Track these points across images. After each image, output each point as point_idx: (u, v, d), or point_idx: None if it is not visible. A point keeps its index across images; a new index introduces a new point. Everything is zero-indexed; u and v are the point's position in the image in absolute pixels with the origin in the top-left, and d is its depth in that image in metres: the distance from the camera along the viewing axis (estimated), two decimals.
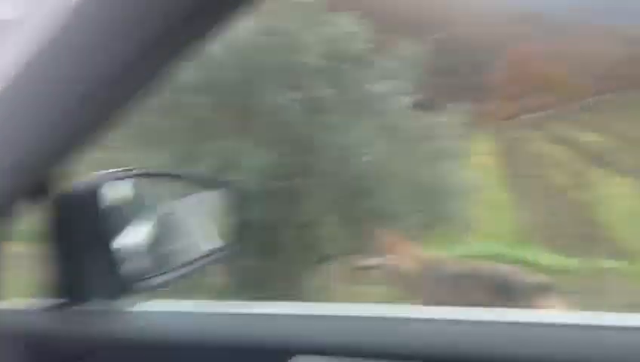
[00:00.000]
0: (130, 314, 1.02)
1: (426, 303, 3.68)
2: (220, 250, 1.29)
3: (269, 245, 6.45)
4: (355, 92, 6.10)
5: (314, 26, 6.21)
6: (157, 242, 1.15)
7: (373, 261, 3.86)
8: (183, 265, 1.17)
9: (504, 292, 3.59)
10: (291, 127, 6.03)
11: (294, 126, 6.00)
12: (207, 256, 1.25)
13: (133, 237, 1.07)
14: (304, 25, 6.06)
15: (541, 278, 3.70)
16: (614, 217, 18.11)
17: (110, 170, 1.07)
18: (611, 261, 12.31)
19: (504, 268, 3.80)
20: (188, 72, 5.84)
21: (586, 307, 7.70)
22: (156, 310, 1.06)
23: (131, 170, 1.12)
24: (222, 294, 6.25)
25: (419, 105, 6.77)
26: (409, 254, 3.81)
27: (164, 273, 1.11)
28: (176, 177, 1.39)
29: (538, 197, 20.91)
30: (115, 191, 1.05)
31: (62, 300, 0.98)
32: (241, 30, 6.11)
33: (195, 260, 1.21)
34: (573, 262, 11.87)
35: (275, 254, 6.46)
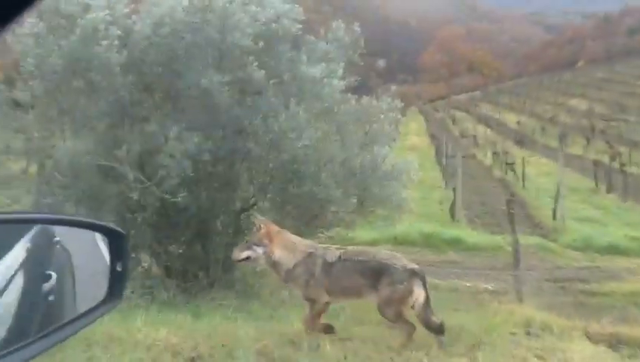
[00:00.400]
0: None
1: (309, 294, 3.80)
2: (100, 304, 1.04)
3: (200, 232, 6.26)
4: (288, 74, 5.96)
5: (245, 5, 5.98)
6: (7, 305, 0.87)
7: (245, 253, 3.87)
8: (51, 332, 0.91)
9: (378, 278, 3.69)
10: (221, 111, 5.80)
11: (225, 109, 5.79)
12: (84, 314, 1.00)
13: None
14: (235, 3, 5.82)
15: (413, 265, 3.81)
16: (535, 195, 19.13)
17: None
18: (533, 237, 13.03)
19: (381, 254, 3.90)
20: (112, 51, 5.48)
21: (509, 282, 8.08)
22: None
23: None
24: (150, 282, 6.01)
25: (352, 88, 6.72)
26: (285, 243, 3.84)
27: (23, 347, 0.83)
28: (38, 222, 1.04)
29: (466, 176, 21.69)
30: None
31: None
32: (170, 7, 5.79)
33: (68, 323, 0.96)
34: (497, 239, 12.44)
35: (207, 241, 6.28)
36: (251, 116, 5.78)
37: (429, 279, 9.37)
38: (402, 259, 3.85)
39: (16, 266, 0.92)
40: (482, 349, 3.54)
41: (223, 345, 3.33)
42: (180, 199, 5.61)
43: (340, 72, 6.19)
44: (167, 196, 5.58)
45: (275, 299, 5.65)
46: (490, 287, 8.92)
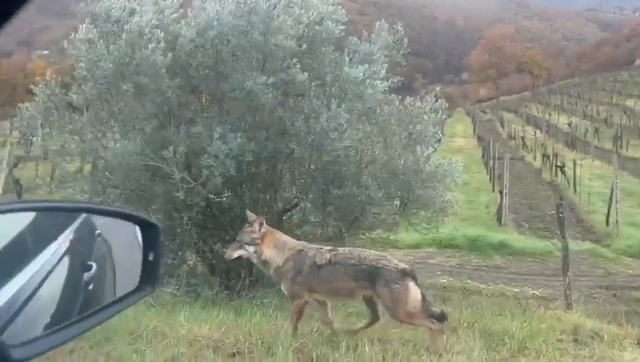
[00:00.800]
0: None
1: (292, 290, 3.88)
2: (133, 292, 1.07)
3: None
4: (331, 76, 5.98)
5: (289, 7, 6.04)
6: (50, 291, 0.92)
7: (237, 253, 3.97)
8: (87, 316, 0.96)
9: (372, 281, 3.74)
10: (265, 112, 5.89)
11: (268, 111, 5.87)
12: (118, 301, 1.04)
13: (12, 288, 0.82)
14: (279, 6, 5.89)
15: (404, 265, 3.85)
16: (587, 199, 18.45)
17: None
18: (585, 243, 12.57)
19: (371, 256, 3.90)
20: (158, 54, 5.65)
21: (558, 289, 7.82)
22: None
23: (12, 202, 0.89)
24: (195, 280, 6.15)
25: (395, 89, 6.68)
26: (276, 242, 3.90)
27: (62, 328, 0.88)
28: (79, 210, 1.11)
29: (514, 179, 21.12)
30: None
31: None
32: (217, 11, 5.92)
33: (102, 308, 1.01)
34: (546, 244, 12.07)
35: None
36: (294, 117, 5.83)
37: (474, 283, 9.19)
38: (393, 260, 3.90)
39: (60, 255, 0.98)
40: (526, 355, 3.45)
41: (262, 342, 3.37)
42: (224, 199, 5.72)
43: (383, 72, 6.16)
44: (212, 196, 5.70)
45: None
46: (537, 293, 8.66)
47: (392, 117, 6.36)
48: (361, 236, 6.81)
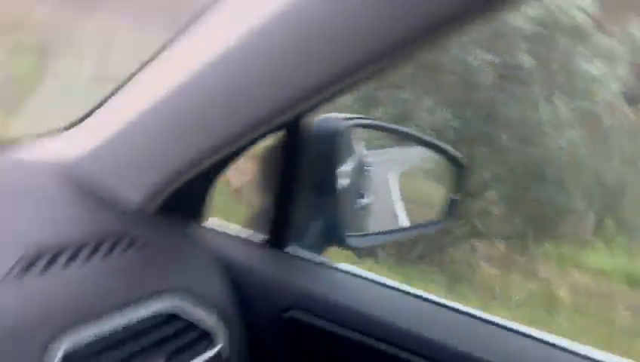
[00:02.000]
0: (334, 271, 0.91)
1: None
2: (434, 223, 1.22)
3: None
4: (562, 67, 5.52)
5: None
6: (375, 201, 1.10)
7: None
8: (396, 231, 1.15)
9: None
10: (478, 91, 5.68)
11: (482, 90, 5.65)
12: (420, 226, 1.23)
13: (353, 190, 1.01)
14: None
15: None
16: None
17: (354, 115, 0.98)
18: None
19: None
20: None
21: None
22: (360, 274, 0.92)
23: (367, 118, 1.06)
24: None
25: (629, 97, 5.98)
26: None
27: (376, 234, 1.08)
28: (407, 136, 1.31)
29: None
30: (350, 138, 0.98)
31: (265, 237, 0.90)
32: None
33: (408, 228, 1.19)
34: None
35: None
36: (508, 103, 5.55)
37: None
38: None
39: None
40: None
41: None
42: None
43: (622, 74, 5.53)
44: None
45: (487, 291, 5.48)
46: None
47: (620, 126, 5.71)
48: (546, 244, 6.35)
